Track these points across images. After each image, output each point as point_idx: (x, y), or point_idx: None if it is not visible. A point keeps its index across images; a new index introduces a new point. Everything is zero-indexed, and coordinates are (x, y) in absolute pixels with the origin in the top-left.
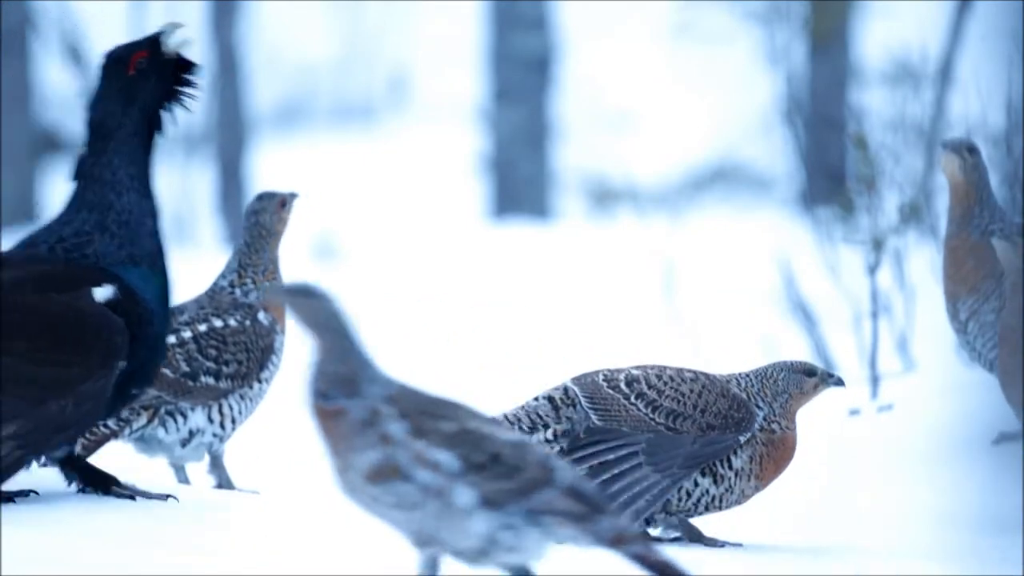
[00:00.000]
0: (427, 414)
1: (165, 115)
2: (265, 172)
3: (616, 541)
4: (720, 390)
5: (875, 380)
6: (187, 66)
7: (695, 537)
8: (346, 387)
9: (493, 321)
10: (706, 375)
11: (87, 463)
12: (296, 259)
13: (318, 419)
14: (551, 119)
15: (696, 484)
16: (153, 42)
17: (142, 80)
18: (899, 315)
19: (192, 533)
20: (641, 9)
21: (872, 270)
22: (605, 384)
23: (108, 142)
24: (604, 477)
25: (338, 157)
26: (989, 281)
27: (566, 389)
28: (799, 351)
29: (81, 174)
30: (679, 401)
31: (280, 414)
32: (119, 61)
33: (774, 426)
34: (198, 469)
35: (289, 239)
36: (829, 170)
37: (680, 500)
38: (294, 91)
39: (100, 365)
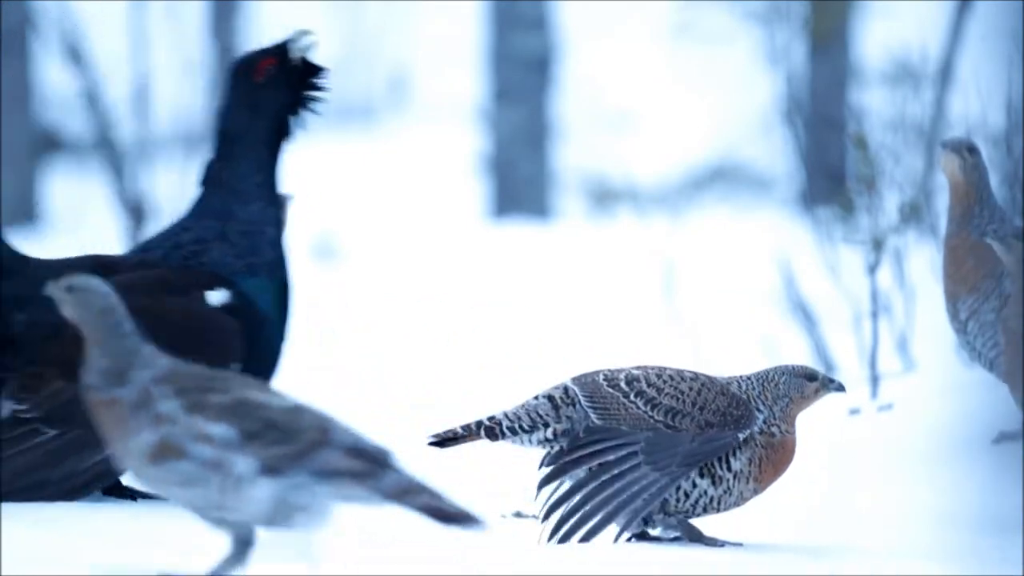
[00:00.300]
0: (200, 389)
1: (293, 121)
2: None
3: (401, 495)
4: (719, 388)
5: (875, 380)
6: (314, 71)
7: (695, 537)
8: (115, 378)
9: (493, 321)
10: (707, 375)
11: None
12: (296, 259)
13: (94, 412)
14: (551, 119)
15: (694, 485)
16: (280, 49)
17: (270, 87)
18: (899, 315)
19: (192, 533)
20: (641, 9)
21: (872, 270)
22: (605, 383)
23: (235, 149)
24: (604, 477)
25: (338, 157)
26: (989, 280)
27: (566, 388)
28: (799, 351)
29: (207, 180)
30: (678, 399)
31: None
32: (247, 68)
33: (774, 429)
34: None
35: (289, 239)
36: (829, 170)
37: (678, 501)
38: None
39: (212, 366)
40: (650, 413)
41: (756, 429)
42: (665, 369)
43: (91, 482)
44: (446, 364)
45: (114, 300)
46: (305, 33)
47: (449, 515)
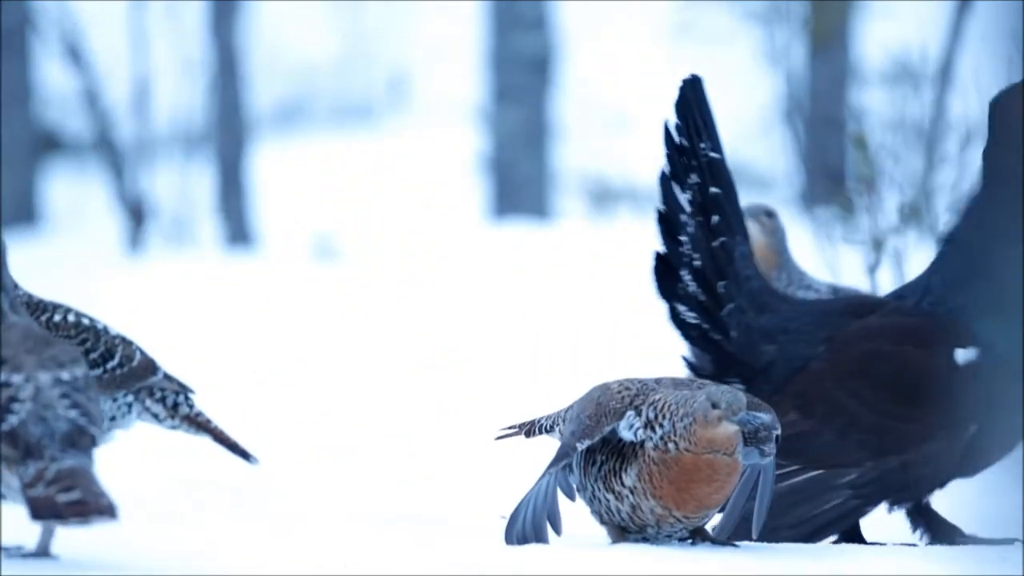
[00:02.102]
0: None
1: None
2: (265, 172)
3: (28, 484)
4: (598, 398)
5: None
6: None
7: (615, 538)
8: None
9: (493, 321)
10: (636, 383)
11: (936, 514)
12: (296, 259)
13: None
14: (551, 119)
15: (606, 498)
16: None
17: None
18: None
19: (192, 535)
20: (641, 9)
21: (872, 270)
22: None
23: (996, 184)
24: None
25: (338, 157)
26: None
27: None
28: None
29: (967, 217)
30: (574, 407)
31: (296, 407)
32: (1000, 105)
33: (670, 445)
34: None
35: (289, 239)
36: (829, 170)
37: (608, 513)
38: (294, 91)
39: (940, 427)
40: (563, 418)
41: (650, 445)
42: (618, 381)
43: (826, 526)
44: (445, 364)
45: None
46: None
47: (69, 508)
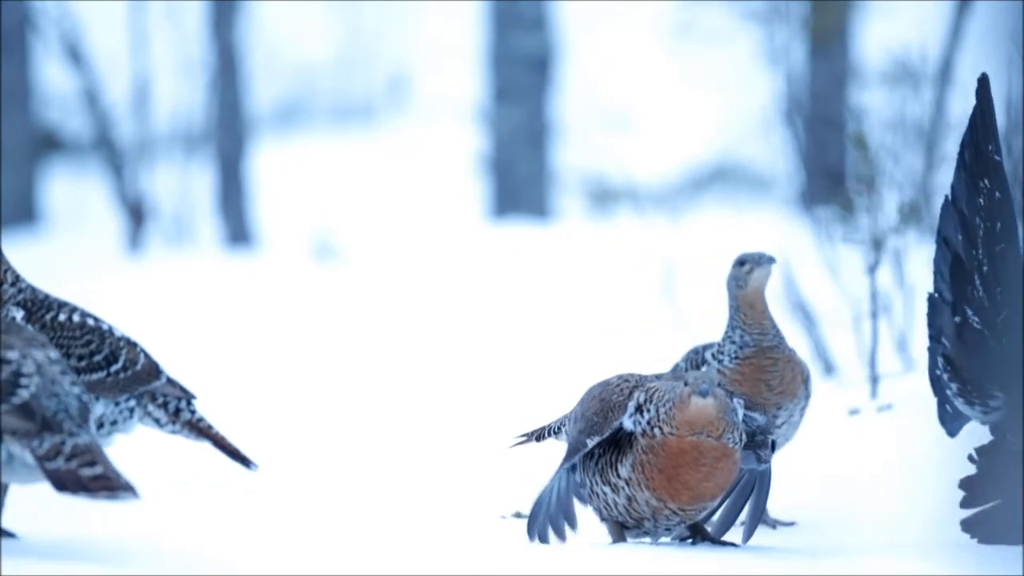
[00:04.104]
0: None
1: None
2: (265, 172)
3: (43, 457)
4: (600, 394)
5: (875, 380)
6: None
7: (616, 536)
8: None
9: (493, 321)
10: (635, 376)
11: None
12: (296, 259)
13: None
14: (551, 119)
15: (604, 492)
16: None
17: None
18: (899, 315)
19: (191, 534)
20: (641, 8)
21: (872, 270)
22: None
23: None
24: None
25: (338, 157)
26: (802, 386)
27: None
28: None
29: None
30: (579, 406)
31: (298, 411)
32: None
33: (656, 431)
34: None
35: (289, 239)
36: (829, 170)
37: (606, 507)
38: (294, 91)
39: None
40: (568, 416)
41: (639, 431)
42: (614, 376)
43: None
44: (445, 364)
45: None
46: None
47: (88, 481)
